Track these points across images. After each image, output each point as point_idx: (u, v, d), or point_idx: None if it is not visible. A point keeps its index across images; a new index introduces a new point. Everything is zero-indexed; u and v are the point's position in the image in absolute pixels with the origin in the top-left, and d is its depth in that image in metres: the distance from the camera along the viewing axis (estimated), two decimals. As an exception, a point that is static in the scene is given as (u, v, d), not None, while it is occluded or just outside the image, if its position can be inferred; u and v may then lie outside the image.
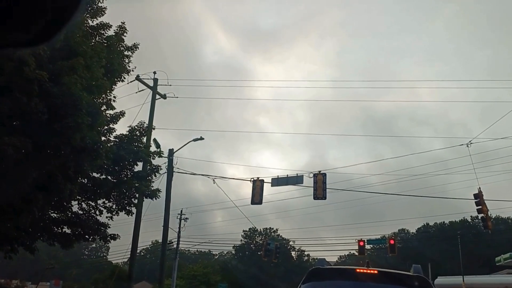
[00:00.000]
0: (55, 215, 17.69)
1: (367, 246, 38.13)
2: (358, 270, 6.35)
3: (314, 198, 22.27)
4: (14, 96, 10.88)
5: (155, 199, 19.66)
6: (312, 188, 22.24)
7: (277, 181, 23.67)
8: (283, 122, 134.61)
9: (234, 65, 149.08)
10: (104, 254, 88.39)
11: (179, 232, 39.26)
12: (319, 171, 22.56)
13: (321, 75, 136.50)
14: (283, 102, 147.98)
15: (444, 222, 72.57)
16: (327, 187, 22.25)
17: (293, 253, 76.75)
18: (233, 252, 79.45)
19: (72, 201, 17.08)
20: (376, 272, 6.24)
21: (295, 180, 23.34)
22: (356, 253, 45.99)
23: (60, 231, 17.93)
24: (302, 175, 23.08)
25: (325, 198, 22.31)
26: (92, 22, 15.63)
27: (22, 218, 13.85)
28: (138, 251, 26.10)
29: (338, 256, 75.27)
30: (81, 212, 17.98)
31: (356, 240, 33.90)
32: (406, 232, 79.96)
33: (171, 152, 25.63)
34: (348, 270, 7.17)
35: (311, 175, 22.64)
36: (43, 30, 0.85)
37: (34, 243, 18.16)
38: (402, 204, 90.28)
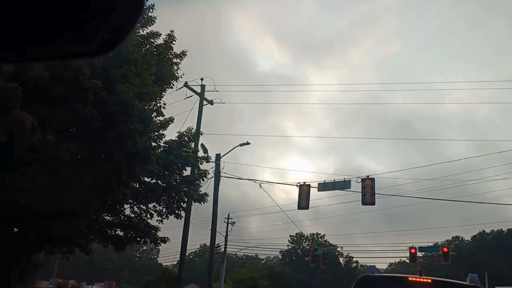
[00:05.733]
0: (109, 218, 18.35)
1: (419, 254, 36.81)
2: (410, 279, 6.14)
3: (363, 204, 21.80)
4: (71, 104, 11.43)
5: (203, 203, 19.99)
6: (360, 193, 21.82)
7: (324, 186, 23.37)
8: (325, 127, 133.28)
9: (284, 73, 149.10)
10: (155, 256, 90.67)
11: (226, 236, 39.65)
12: (367, 176, 22.08)
13: (370, 81, 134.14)
14: (328, 107, 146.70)
15: (501, 229, 68.94)
16: (375, 192, 21.76)
17: (341, 259, 75.45)
18: (280, 257, 79.19)
19: (125, 205, 17.67)
20: (429, 280, 6.01)
21: (342, 184, 22.95)
22: (407, 261, 44.58)
23: (113, 233, 18.58)
24: (350, 180, 22.69)
25: (374, 204, 21.78)
26: (143, 31, 16.16)
27: (78, 221, 14.50)
28: (186, 254, 26.57)
29: (388, 264, 73.22)
30: (133, 215, 18.55)
31: (407, 247, 32.88)
32: (460, 240, 76.62)
33: (218, 157, 25.92)
34: (400, 278, 6.95)
35: (359, 179, 22.20)
36: (104, 42, 0.88)
37: (89, 245, 18.93)
38: (453, 211, 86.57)
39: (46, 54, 0.91)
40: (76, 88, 11.17)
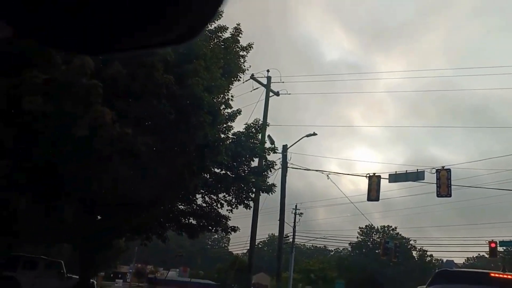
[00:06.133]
0: (183, 207, 19.22)
1: (500, 248, 34.54)
2: (492, 275, 5.82)
3: (438, 196, 20.83)
4: (146, 99, 12.03)
5: (271, 193, 20.21)
6: (434, 185, 20.87)
7: (395, 177, 22.62)
8: (395, 116, 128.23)
9: (352, 62, 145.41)
10: (225, 244, 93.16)
11: (294, 226, 39.73)
12: (443, 167, 21.05)
13: (442, 66, 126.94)
14: (397, 96, 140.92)
15: None
16: (451, 183, 20.71)
17: (414, 252, 72.66)
18: (349, 249, 77.96)
19: (197, 195, 18.36)
20: None
21: (415, 176, 22.05)
22: (486, 255, 42.11)
23: (187, 222, 19.44)
24: (423, 171, 21.73)
25: (450, 196, 20.74)
26: (211, 26, 16.52)
27: (155, 210, 15.28)
28: (256, 243, 27.05)
29: (465, 258, 69.52)
30: (205, 205, 19.26)
31: (487, 242, 31.06)
32: (548, 234, 70.75)
33: (284, 148, 25.99)
34: (481, 274, 6.61)
35: (433, 170, 21.22)
36: (188, 28, 0.91)
37: (165, 233, 19.94)
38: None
39: (131, 44, 0.94)
40: (151, 83, 11.72)
